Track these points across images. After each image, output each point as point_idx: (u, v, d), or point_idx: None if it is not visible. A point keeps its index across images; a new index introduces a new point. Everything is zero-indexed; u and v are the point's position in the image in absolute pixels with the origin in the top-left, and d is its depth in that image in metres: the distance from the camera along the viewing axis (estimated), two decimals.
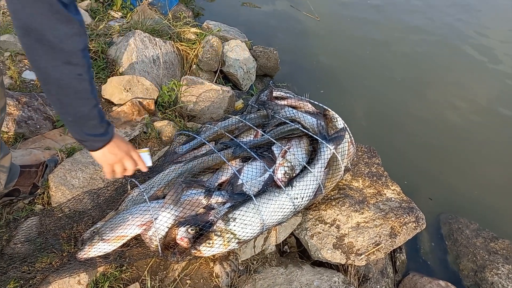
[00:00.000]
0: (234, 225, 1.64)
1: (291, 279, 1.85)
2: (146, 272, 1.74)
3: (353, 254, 1.98)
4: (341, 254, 1.98)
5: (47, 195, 1.94)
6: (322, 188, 1.91)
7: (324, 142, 1.98)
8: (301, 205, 1.84)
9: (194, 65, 3.51)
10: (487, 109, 4.16)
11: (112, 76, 2.82)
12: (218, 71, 3.63)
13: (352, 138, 2.15)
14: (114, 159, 1.26)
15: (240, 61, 3.63)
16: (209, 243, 1.60)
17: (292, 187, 1.81)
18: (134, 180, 1.84)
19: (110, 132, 1.22)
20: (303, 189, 1.83)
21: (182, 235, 1.61)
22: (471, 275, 2.58)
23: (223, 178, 1.90)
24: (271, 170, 1.87)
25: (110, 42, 3.17)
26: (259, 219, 1.69)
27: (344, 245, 2.00)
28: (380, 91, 4.22)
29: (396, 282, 2.49)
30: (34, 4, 0.89)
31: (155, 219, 1.61)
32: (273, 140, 2.02)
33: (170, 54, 3.29)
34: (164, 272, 1.77)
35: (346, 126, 2.15)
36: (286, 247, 2.24)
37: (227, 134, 2.17)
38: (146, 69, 2.99)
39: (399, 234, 2.06)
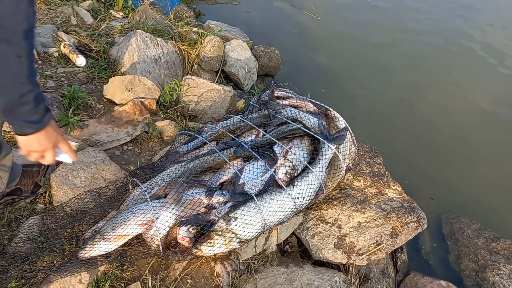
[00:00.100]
0: (235, 225, 1.64)
1: (292, 278, 1.85)
2: (147, 271, 1.74)
3: (354, 254, 1.97)
4: (342, 254, 1.98)
5: (48, 194, 1.94)
6: (324, 188, 1.91)
7: (325, 141, 1.98)
8: (303, 204, 1.84)
9: (196, 65, 3.51)
10: (487, 109, 4.15)
11: (114, 76, 2.83)
12: (220, 71, 3.63)
13: (354, 138, 2.15)
14: (37, 148, 1.17)
15: (242, 61, 3.63)
16: (210, 243, 1.60)
17: (293, 187, 1.82)
18: (135, 179, 1.84)
19: (45, 121, 1.14)
20: (305, 189, 1.83)
21: (183, 235, 1.61)
22: (473, 275, 2.58)
23: (225, 178, 1.90)
24: (273, 169, 1.87)
25: (111, 42, 3.18)
26: (260, 219, 1.69)
27: (345, 245, 2.00)
28: (381, 91, 4.22)
29: (397, 282, 2.48)
30: None
31: (157, 218, 1.62)
32: (274, 139, 2.02)
33: (172, 54, 3.29)
34: (165, 272, 1.77)
35: (347, 125, 2.15)
36: (287, 246, 2.24)
37: (229, 133, 2.17)
38: (147, 69, 3.00)
39: (400, 234, 2.06)
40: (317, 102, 2.28)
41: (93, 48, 3.06)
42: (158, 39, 3.20)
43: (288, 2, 5.62)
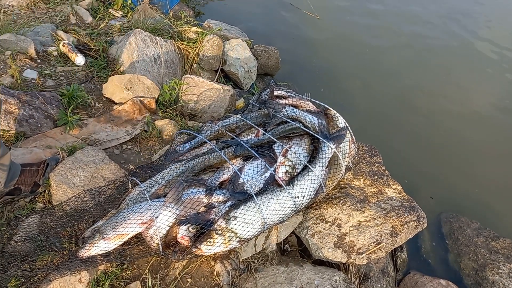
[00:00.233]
0: (235, 224, 1.64)
1: (292, 277, 1.85)
2: (147, 270, 1.74)
3: (354, 253, 1.97)
4: (342, 253, 1.97)
5: (48, 193, 1.94)
6: (323, 187, 1.91)
7: (325, 141, 1.97)
8: (302, 204, 1.84)
9: (195, 64, 3.51)
10: (487, 108, 4.16)
11: (113, 75, 2.83)
12: (219, 70, 3.63)
13: (353, 137, 2.15)
14: None
15: (241, 60, 3.62)
16: (210, 242, 1.60)
17: (293, 186, 1.81)
18: (135, 178, 1.84)
19: None
20: (304, 188, 1.83)
21: (183, 234, 1.61)
22: (472, 274, 2.58)
23: (224, 177, 1.90)
24: (272, 169, 1.87)
25: (111, 41, 3.17)
26: (260, 218, 1.69)
27: (345, 244, 2.00)
28: (380, 89, 4.22)
29: (397, 281, 2.49)
30: None
31: (156, 217, 1.61)
32: (274, 139, 2.02)
33: (171, 53, 3.29)
34: (165, 271, 1.77)
35: (347, 125, 2.15)
36: (287, 245, 2.24)
37: (228, 133, 2.17)
38: (147, 68, 2.99)
39: (400, 233, 2.06)
40: (316, 101, 2.28)
41: (92, 47, 3.06)
42: (158, 38, 3.20)
43: (287, 0, 5.62)
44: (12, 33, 2.78)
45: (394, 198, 2.25)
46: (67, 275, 1.54)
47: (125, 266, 1.73)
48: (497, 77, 4.70)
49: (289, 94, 2.45)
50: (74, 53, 2.85)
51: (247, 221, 1.66)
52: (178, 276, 1.75)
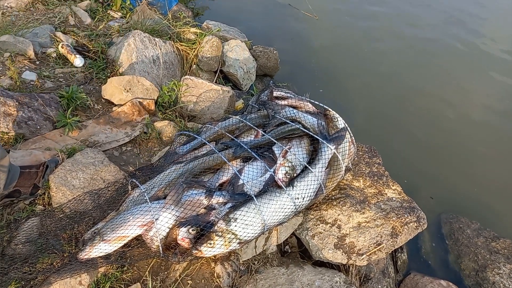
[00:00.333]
0: (235, 226, 1.64)
1: (292, 279, 1.84)
2: (147, 272, 1.73)
3: (355, 254, 1.97)
4: (342, 254, 1.97)
5: (47, 195, 1.93)
6: (323, 188, 1.91)
7: (324, 142, 1.97)
8: (302, 205, 1.84)
9: (194, 65, 3.51)
10: (488, 109, 4.16)
11: (112, 76, 2.82)
12: (218, 71, 3.63)
13: (353, 138, 2.15)
14: None
15: (240, 61, 3.62)
16: (210, 244, 1.60)
17: (293, 187, 1.81)
18: (135, 180, 1.83)
19: None
20: (304, 189, 1.83)
21: (183, 236, 1.61)
22: (473, 275, 2.58)
23: (224, 178, 1.90)
24: (272, 170, 1.87)
25: (110, 43, 3.16)
26: (260, 219, 1.69)
27: (345, 245, 2.00)
28: (380, 90, 4.22)
29: (397, 282, 2.49)
30: None
31: (156, 219, 1.61)
32: (273, 140, 2.02)
33: (170, 54, 3.28)
34: (165, 273, 1.77)
35: (346, 126, 2.15)
36: (287, 247, 2.23)
37: (228, 134, 2.17)
38: (146, 69, 2.99)
39: (400, 234, 2.06)
40: (316, 102, 2.28)
41: (91, 48, 3.05)
42: (157, 39, 3.20)
43: (286, 1, 5.62)
44: (10, 34, 2.77)
45: (394, 199, 2.25)
46: (67, 278, 1.54)
47: (125, 268, 1.72)
48: (499, 78, 4.70)
49: (288, 95, 2.45)
50: (73, 54, 2.84)
51: (247, 223, 1.66)
52: (178, 278, 1.75)
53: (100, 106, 2.63)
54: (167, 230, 1.63)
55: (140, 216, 1.62)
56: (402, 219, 2.11)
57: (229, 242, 1.63)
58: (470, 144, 3.69)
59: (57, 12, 3.39)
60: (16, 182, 1.82)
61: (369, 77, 4.38)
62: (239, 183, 1.82)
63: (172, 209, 1.65)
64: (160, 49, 3.18)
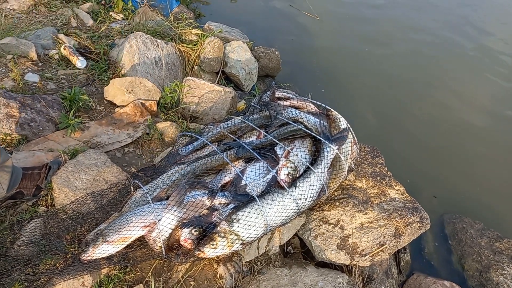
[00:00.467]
0: (238, 226, 1.63)
1: (295, 280, 1.84)
2: (150, 273, 1.73)
3: (358, 255, 1.97)
4: (345, 255, 1.97)
5: (50, 197, 1.94)
6: (326, 189, 1.91)
7: (327, 142, 1.97)
8: (305, 205, 1.84)
9: (196, 66, 3.51)
10: (490, 110, 4.14)
11: (114, 77, 2.83)
12: (220, 72, 3.63)
13: (355, 138, 2.14)
14: None
15: (242, 62, 3.62)
16: (213, 244, 1.60)
17: (295, 188, 1.81)
18: (137, 181, 1.84)
19: None
20: (307, 190, 1.83)
21: (185, 237, 1.61)
22: (476, 275, 2.57)
23: (226, 179, 1.90)
24: (274, 170, 1.87)
25: (112, 44, 3.17)
26: (263, 220, 1.68)
27: (348, 246, 1.99)
28: (381, 90, 4.21)
29: (400, 283, 2.47)
30: None
31: (159, 220, 1.61)
32: (276, 140, 2.01)
33: (172, 56, 3.29)
34: (168, 274, 1.77)
35: (349, 126, 2.15)
36: (290, 248, 2.23)
37: (230, 135, 2.16)
38: (148, 70, 2.99)
39: (403, 234, 2.05)
40: (318, 102, 2.27)
41: (93, 50, 3.06)
42: (158, 40, 3.20)
43: (287, 2, 5.62)
44: (13, 36, 2.78)
45: (397, 199, 2.24)
46: (70, 279, 1.54)
47: (128, 269, 1.72)
48: (502, 77, 4.68)
49: (290, 95, 2.44)
50: (75, 56, 2.85)
51: (250, 224, 1.66)
52: (181, 279, 1.75)
53: (103, 108, 2.64)
54: (170, 231, 1.63)
55: (143, 217, 1.62)
56: (405, 219, 2.10)
57: (232, 243, 1.63)
58: (472, 144, 3.67)
59: (59, 14, 3.40)
60: (19, 183, 1.82)
61: (371, 77, 4.37)
62: (242, 184, 1.82)
63: (175, 210, 1.65)
64: (162, 51, 3.18)
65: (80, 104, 2.49)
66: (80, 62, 2.84)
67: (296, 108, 2.29)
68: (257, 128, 2.15)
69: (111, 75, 2.89)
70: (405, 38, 5.17)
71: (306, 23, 5.22)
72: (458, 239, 2.80)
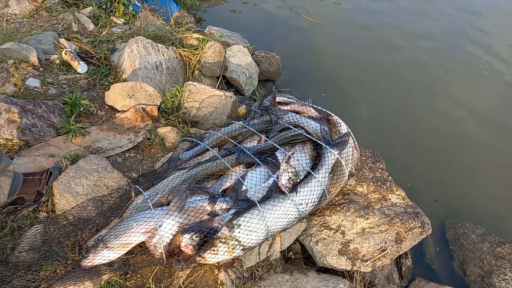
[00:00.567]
0: (239, 232, 1.63)
1: (296, 286, 1.83)
2: (150, 279, 1.73)
3: (359, 260, 1.96)
4: (346, 260, 1.96)
5: (51, 202, 1.93)
6: (327, 194, 1.90)
7: (328, 147, 1.97)
8: (306, 211, 1.83)
9: (197, 71, 3.51)
10: (491, 114, 4.14)
11: (115, 82, 2.83)
12: (221, 77, 3.63)
13: (356, 143, 2.14)
14: None
15: (243, 67, 3.63)
16: (214, 250, 1.59)
17: (296, 193, 1.81)
18: (138, 187, 1.83)
19: None
20: (308, 195, 1.82)
21: (186, 242, 1.60)
22: (478, 281, 2.56)
23: (227, 184, 1.89)
24: (275, 175, 1.87)
25: (113, 49, 3.18)
26: (264, 226, 1.68)
27: (349, 251, 1.98)
28: (382, 95, 4.21)
29: None
30: None
31: (160, 226, 1.61)
32: (276, 145, 2.01)
33: (173, 60, 3.29)
34: (169, 280, 1.76)
35: (349, 131, 2.15)
36: (291, 253, 2.22)
37: (231, 140, 2.17)
38: (149, 75, 3.00)
39: (404, 239, 2.04)
40: (318, 107, 2.27)
41: (94, 54, 3.07)
42: (159, 45, 3.21)
43: (286, 6, 5.64)
44: (14, 41, 2.79)
45: (398, 204, 2.24)
46: (71, 285, 1.54)
47: (128, 275, 1.72)
48: (502, 83, 4.69)
49: (291, 100, 2.44)
50: (76, 61, 2.86)
51: (251, 229, 1.65)
52: (182, 285, 1.74)
53: (104, 113, 2.64)
54: (171, 236, 1.62)
55: (144, 223, 1.62)
56: (406, 224, 2.10)
57: (233, 249, 1.63)
58: (473, 149, 3.67)
59: (61, 18, 3.41)
60: (20, 189, 1.82)
61: (372, 82, 4.37)
62: (242, 189, 1.82)
63: (176, 216, 1.65)
64: (163, 55, 3.19)
65: (81, 109, 2.49)
66: (81, 67, 2.85)
67: (297, 112, 2.30)
68: (257, 133, 2.15)
69: (112, 80, 2.89)
70: (406, 42, 5.18)
71: (306, 27, 5.23)
72: (460, 244, 2.79)
